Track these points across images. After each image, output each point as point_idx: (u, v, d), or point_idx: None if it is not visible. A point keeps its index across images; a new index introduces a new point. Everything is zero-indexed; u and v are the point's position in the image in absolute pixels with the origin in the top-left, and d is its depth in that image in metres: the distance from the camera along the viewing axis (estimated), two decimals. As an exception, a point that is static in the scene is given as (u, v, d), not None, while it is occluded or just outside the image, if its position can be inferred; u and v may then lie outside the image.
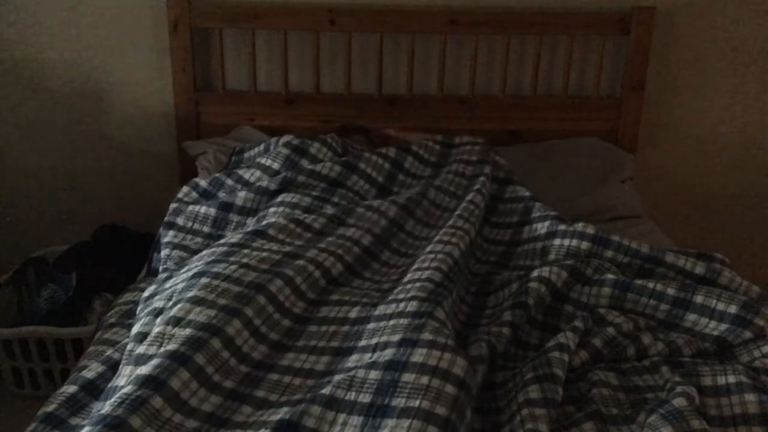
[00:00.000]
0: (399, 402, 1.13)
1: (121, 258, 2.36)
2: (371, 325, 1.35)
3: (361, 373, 1.20)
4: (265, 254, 1.51)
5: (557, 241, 1.78)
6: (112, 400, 1.14)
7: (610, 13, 2.38)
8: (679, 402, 1.22)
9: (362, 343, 1.32)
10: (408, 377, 1.17)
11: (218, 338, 1.26)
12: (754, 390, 1.28)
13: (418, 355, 1.20)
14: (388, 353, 1.23)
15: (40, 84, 2.44)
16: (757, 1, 2.43)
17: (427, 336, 1.25)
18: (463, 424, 1.14)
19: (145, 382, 1.15)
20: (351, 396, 1.17)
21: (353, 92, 2.45)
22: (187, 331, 1.26)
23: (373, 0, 2.38)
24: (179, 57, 2.36)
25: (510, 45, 2.40)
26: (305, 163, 2.00)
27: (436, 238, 1.68)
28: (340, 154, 2.10)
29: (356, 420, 1.13)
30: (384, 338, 1.28)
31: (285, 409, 1.18)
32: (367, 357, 1.26)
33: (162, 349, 1.24)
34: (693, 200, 2.69)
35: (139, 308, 1.53)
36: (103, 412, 1.11)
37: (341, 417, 1.14)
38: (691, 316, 1.55)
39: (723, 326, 1.51)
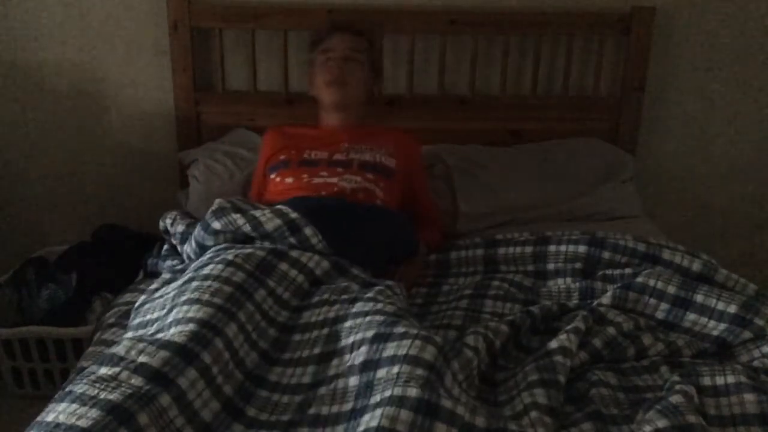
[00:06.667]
0: (374, 399, 1.16)
1: (121, 258, 2.36)
2: (348, 323, 1.37)
3: (341, 383, 1.25)
4: (249, 250, 1.52)
5: (552, 248, 1.79)
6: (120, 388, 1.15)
7: (610, 13, 2.37)
8: (676, 399, 1.22)
9: (341, 343, 1.33)
10: (381, 373, 1.19)
11: (220, 338, 1.27)
12: (753, 390, 1.28)
13: (390, 349, 1.23)
14: (362, 351, 1.26)
15: (40, 85, 2.44)
16: (757, 1, 2.43)
17: (399, 329, 1.27)
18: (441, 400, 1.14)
19: (154, 377, 1.15)
20: (335, 409, 1.21)
21: (353, 92, 2.44)
22: (190, 326, 1.27)
23: (372, 0, 2.38)
24: (179, 57, 2.36)
25: (510, 45, 2.40)
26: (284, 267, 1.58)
27: None
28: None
29: (339, 428, 1.17)
30: (360, 335, 1.30)
31: None
32: (346, 359, 1.29)
33: (168, 338, 1.24)
34: (693, 200, 2.68)
35: (131, 317, 1.53)
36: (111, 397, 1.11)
37: (327, 430, 1.18)
38: (691, 316, 1.55)
39: (722, 326, 1.51)
